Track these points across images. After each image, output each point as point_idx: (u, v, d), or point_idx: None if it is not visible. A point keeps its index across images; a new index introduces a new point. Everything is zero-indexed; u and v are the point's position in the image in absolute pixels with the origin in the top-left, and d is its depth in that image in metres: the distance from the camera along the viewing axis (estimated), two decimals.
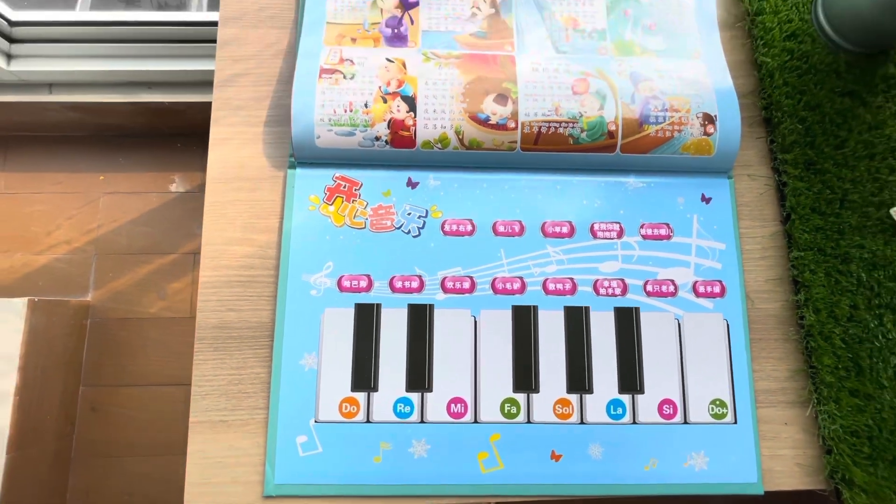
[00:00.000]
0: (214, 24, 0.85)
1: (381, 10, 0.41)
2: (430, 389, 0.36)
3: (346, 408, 0.35)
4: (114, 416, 0.95)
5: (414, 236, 0.38)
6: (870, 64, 0.40)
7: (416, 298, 0.37)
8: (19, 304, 0.82)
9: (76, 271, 1.01)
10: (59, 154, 1.06)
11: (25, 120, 0.99)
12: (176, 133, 1.04)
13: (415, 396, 0.36)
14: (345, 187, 0.38)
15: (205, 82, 0.93)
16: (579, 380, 0.36)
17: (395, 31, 0.40)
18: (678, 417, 0.36)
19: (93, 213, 1.04)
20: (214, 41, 0.41)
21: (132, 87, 0.93)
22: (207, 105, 0.40)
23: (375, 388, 0.35)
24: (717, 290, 0.38)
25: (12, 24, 0.84)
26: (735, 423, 0.36)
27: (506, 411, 0.36)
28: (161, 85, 0.92)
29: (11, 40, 0.86)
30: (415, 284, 0.37)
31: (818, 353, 0.36)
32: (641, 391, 0.36)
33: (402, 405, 0.35)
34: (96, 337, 0.98)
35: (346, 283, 0.37)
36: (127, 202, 1.04)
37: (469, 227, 0.38)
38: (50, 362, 0.88)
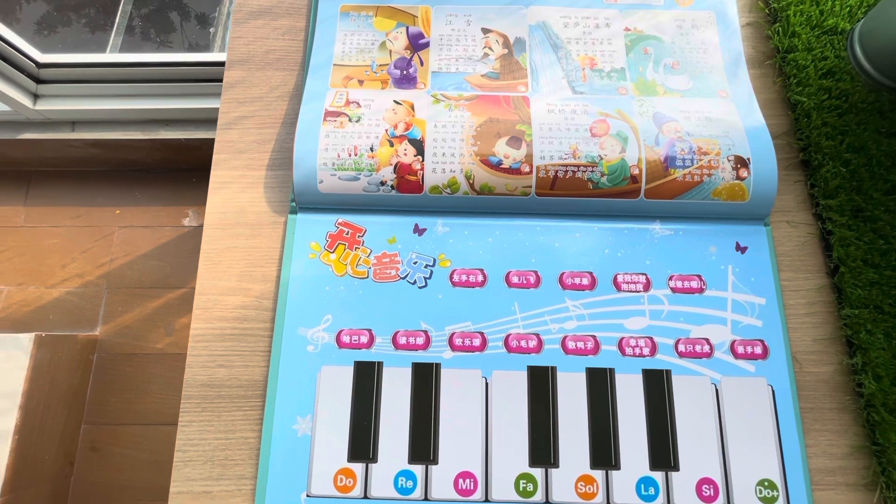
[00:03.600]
0: None
1: (391, 51, 0.39)
2: (435, 462, 0.32)
3: (341, 480, 0.31)
4: (114, 457, 0.92)
5: (420, 287, 0.35)
6: None
7: (422, 356, 0.34)
8: (25, 340, 0.81)
9: (87, 305, 1.01)
10: (79, 188, 1.08)
11: (48, 156, 1.02)
12: (191, 168, 1.05)
13: (418, 469, 0.32)
14: (347, 234, 0.36)
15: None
16: (605, 453, 0.32)
17: (404, 72, 0.39)
18: (720, 501, 0.31)
19: (107, 246, 1.04)
20: None
21: (151, 125, 0.95)
22: None
23: (374, 459, 0.32)
24: (758, 350, 0.34)
25: (40, 66, 0.87)
26: None
27: (521, 489, 0.31)
28: (178, 122, 0.94)
29: (39, 81, 0.89)
30: (420, 341, 0.34)
31: (882, 427, 0.31)
32: (676, 468, 0.32)
33: (404, 479, 0.32)
34: (101, 373, 0.97)
35: (346, 339, 0.34)
36: (141, 236, 1.05)
37: (480, 278, 0.35)
38: (53, 399, 0.86)
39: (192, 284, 1.01)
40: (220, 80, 0.89)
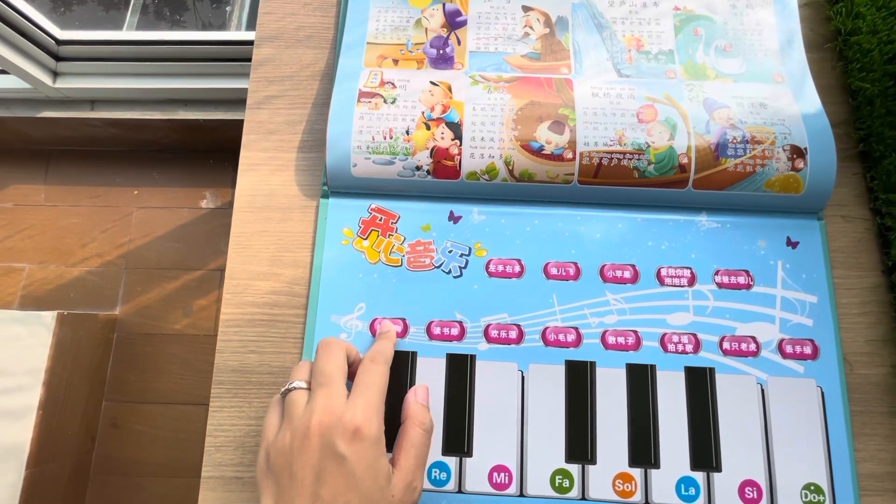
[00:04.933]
0: (249, 42, 0.85)
1: (426, 29, 0.38)
2: (469, 454, 0.31)
3: None
4: (135, 434, 0.94)
5: (455, 277, 0.34)
6: None
7: (456, 348, 0.33)
8: (49, 318, 0.82)
9: (107, 285, 1.02)
10: (98, 168, 1.08)
11: (67, 135, 1.02)
12: (209, 149, 1.05)
13: (452, 461, 0.31)
14: (381, 220, 0.35)
15: (237, 100, 0.93)
16: (644, 451, 0.31)
17: (441, 52, 0.37)
18: None
19: (125, 227, 1.05)
20: (249, 60, 0.39)
21: (169, 105, 0.94)
22: (240, 122, 0.37)
23: None
24: (808, 350, 0.32)
25: (59, 42, 0.86)
26: None
27: (556, 484, 0.31)
28: (196, 102, 0.93)
29: (58, 58, 0.88)
30: (455, 331, 0.33)
31: None
32: (718, 469, 0.31)
33: (438, 471, 0.31)
34: (121, 351, 0.98)
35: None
36: (158, 217, 1.05)
37: (517, 269, 0.34)
38: (75, 376, 0.88)
39: (210, 266, 1.02)
40: (241, 60, 0.88)
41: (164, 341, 0.98)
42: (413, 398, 0.28)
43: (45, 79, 0.87)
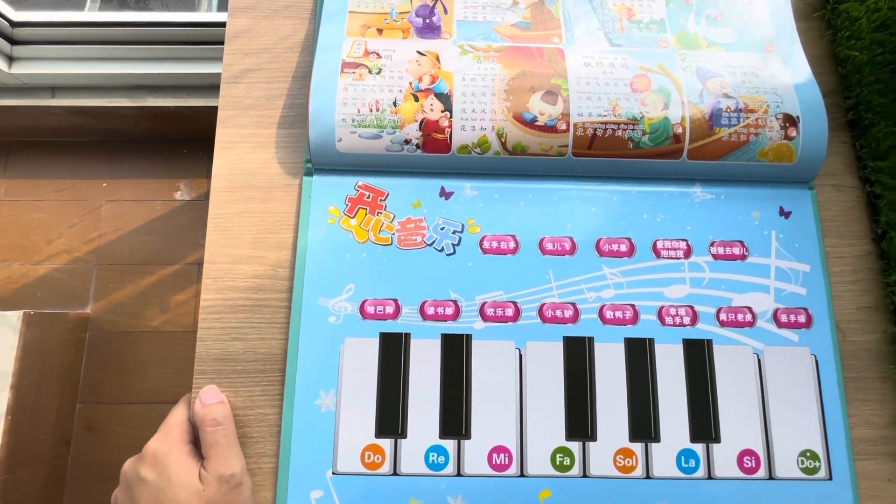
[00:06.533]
0: (222, 24, 0.81)
1: None
2: (467, 436, 0.30)
3: (369, 457, 0.30)
4: (112, 436, 0.90)
5: (448, 254, 0.33)
6: None
7: (451, 327, 0.32)
8: (14, 318, 0.78)
9: (76, 282, 0.97)
10: (62, 160, 1.02)
11: (27, 125, 0.96)
12: (182, 139, 1.00)
13: (450, 444, 0.30)
14: (368, 197, 0.33)
15: (212, 86, 0.89)
16: (644, 426, 0.31)
17: (427, 20, 0.35)
18: (762, 472, 0.30)
19: (95, 221, 1.00)
20: (222, 43, 0.37)
21: (137, 91, 0.89)
22: (214, 109, 0.35)
23: (404, 434, 0.30)
24: (802, 319, 0.32)
25: (14, 24, 0.81)
26: (830, 479, 0.30)
27: (557, 463, 0.30)
28: (167, 88, 0.89)
29: (13, 42, 0.82)
30: (449, 311, 0.32)
31: None
32: (717, 440, 0.31)
33: (435, 454, 0.30)
34: (95, 351, 0.94)
35: (370, 309, 0.32)
36: (130, 210, 1.00)
37: (512, 245, 0.33)
38: (45, 378, 0.84)
39: (187, 260, 0.98)
40: (213, 43, 0.84)
41: (140, 339, 0.94)
42: (199, 406, 0.30)
43: (0, 64, 0.82)
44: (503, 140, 0.33)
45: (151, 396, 0.92)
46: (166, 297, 0.96)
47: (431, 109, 0.32)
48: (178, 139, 1.00)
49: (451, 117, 0.32)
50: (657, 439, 0.31)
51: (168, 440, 0.29)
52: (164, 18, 0.81)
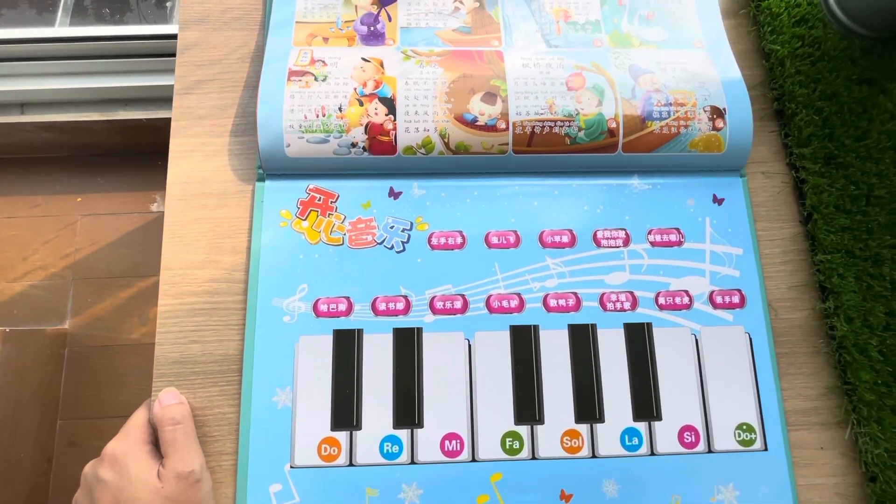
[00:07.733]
0: None
1: (356, 6, 0.37)
2: (420, 425, 0.31)
3: (325, 450, 0.31)
4: (95, 451, 0.89)
5: (398, 252, 0.34)
6: (887, 49, 0.37)
7: (403, 322, 0.33)
8: None
9: (53, 298, 0.96)
10: (35, 176, 1.02)
11: None
12: (156, 151, 1.00)
13: (404, 434, 0.31)
14: (319, 200, 0.35)
15: None
16: (589, 408, 0.32)
17: (371, 28, 0.37)
18: (701, 446, 0.32)
19: (70, 236, 1.00)
20: None
21: (108, 105, 0.89)
22: None
23: (359, 427, 0.31)
24: (736, 300, 0.34)
25: None
26: (765, 449, 0.32)
27: (507, 447, 0.31)
28: (137, 101, 0.89)
29: None
30: (400, 306, 0.33)
31: (854, 367, 0.32)
32: (659, 418, 0.32)
33: (390, 444, 0.31)
34: (74, 367, 0.93)
35: (323, 307, 0.33)
36: (106, 224, 1.00)
37: (459, 240, 0.34)
38: (24, 396, 0.83)
39: None
40: None
41: (120, 352, 0.94)
42: (158, 408, 0.31)
43: None
44: (446, 140, 0.34)
45: (133, 409, 0.92)
46: (145, 310, 0.96)
47: (376, 113, 0.34)
48: (152, 151, 1.01)
49: (395, 120, 0.34)
50: (602, 420, 0.32)
51: (127, 441, 0.30)
52: (133, 32, 0.82)
